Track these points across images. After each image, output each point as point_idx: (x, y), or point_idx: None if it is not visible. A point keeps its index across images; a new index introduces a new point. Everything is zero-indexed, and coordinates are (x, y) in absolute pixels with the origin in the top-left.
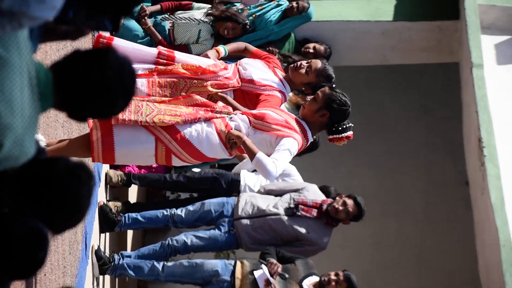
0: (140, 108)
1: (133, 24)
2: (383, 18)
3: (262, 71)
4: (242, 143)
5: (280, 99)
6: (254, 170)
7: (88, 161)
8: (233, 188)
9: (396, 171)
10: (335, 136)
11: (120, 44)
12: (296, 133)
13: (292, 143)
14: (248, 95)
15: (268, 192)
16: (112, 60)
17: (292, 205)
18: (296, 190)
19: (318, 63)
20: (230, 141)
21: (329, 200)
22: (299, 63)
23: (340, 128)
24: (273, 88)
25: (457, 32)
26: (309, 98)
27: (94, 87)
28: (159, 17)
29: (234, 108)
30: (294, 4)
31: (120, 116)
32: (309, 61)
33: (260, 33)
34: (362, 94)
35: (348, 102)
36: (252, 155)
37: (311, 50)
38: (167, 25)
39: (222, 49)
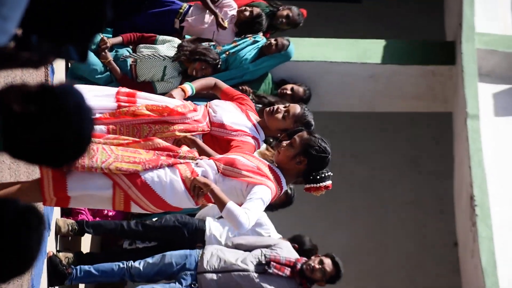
0: (95, 153)
1: (91, 57)
2: (371, 60)
3: (234, 115)
4: (210, 191)
5: (253, 145)
6: (220, 217)
7: (38, 205)
8: (197, 238)
9: (379, 230)
10: (312, 185)
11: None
12: (269, 180)
13: (265, 191)
14: (218, 141)
15: (236, 247)
16: (69, 103)
17: (263, 261)
18: (268, 246)
19: (296, 108)
20: (196, 189)
21: (304, 259)
22: (275, 107)
23: (318, 177)
24: (245, 133)
25: (452, 78)
26: (284, 143)
27: (48, 136)
28: (120, 51)
29: (205, 154)
30: (273, 41)
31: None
32: (287, 105)
33: (234, 72)
34: (345, 143)
35: (328, 148)
36: (221, 205)
37: (289, 92)
38: (129, 60)
39: (189, 88)
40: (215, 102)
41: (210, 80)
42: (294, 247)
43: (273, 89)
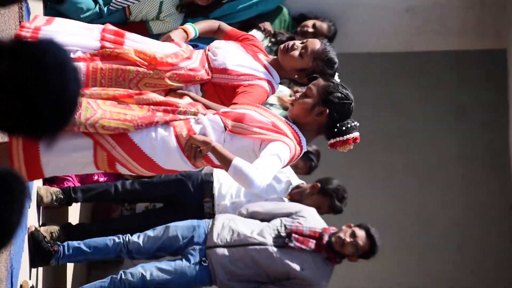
0: (78, 108)
1: None
2: None
3: (238, 56)
4: (211, 149)
5: (265, 90)
6: None
7: None
8: (203, 191)
9: (420, 192)
10: (337, 139)
11: (50, 31)
12: (286, 137)
13: (281, 147)
14: (222, 89)
15: (251, 215)
16: (49, 60)
17: (283, 234)
18: (289, 214)
19: (315, 43)
20: (192, 149)
21: (332, 229)
22: (291, 43)
23: (343, 128)
24: (255, 77)
25: (506, 9)
26: (298, 92)
27: (27, 99)
28: None
29: (206, 107)
30: None
31: None
32: (305, 40)
33: (244, 1)
34: (378, 90)
35: (350, 95)
36: (226, 163)
37: (310, 29)
38: None
39: (191, 29)
40: (215, 43)
41: (213, 23)
42: (315, 186)
43: (291, 26)
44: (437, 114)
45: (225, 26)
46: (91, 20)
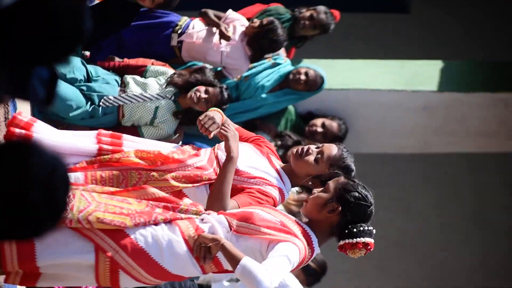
0: (71, 200)
1: (65, 89)
2: (423, 87)
3: (251, 158)
4: (221, 247)
5: (274, 198)
6: (232, 280)
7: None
8: None
9: None
10: (346, 241)
11: (43, 132)
12: (296, 238)
13: (291, 249)
14: (231, 192)
15: None
16: (36, 164)
17: None
18: None
19: (332, 149)
20: (202, 249)
21: None
22: (306, 147)
23: (354, 230)
24: (266, 182)
25: None
26: (315, 191)
27: (12, 202)
28: (103, 80)
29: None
30: (302, 76)
31: None
32: (320, 145)
33: (248, 102)
34: (392, 194)
35: (370, 198)
36: (235, 262)
37: (319, 129)
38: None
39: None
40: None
41: None
42: None
43: (296, 124)
44: (455, 222)
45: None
46: (81, 118)
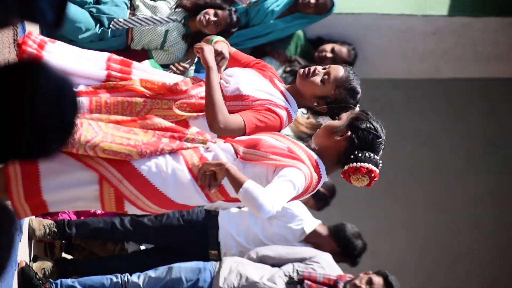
0: (78, 129)
1: (74, 11)
2: (434, 11)
3: (254, 81)
4: (225, 171)
5: (281, 117)
6: (239, 208)
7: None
8: (208, 239)
9: (447, 232)
10: (351, 164)
11: (54, 53)
12: (302, 163)
13: (296, 174)
14: None
15: (262, 259)
16: (45, 83)
17: (295, 279)
18: (302, 260)
19: (339, 70)
20: (207, 177)
21: (348, 276)
22: (312, 68)
23: (359, 155)
24: (272, 102)
25: None
26: (322, 119)
27: (18, 122)
28: (111, 11)
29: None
30: (312, 0)
31: None
32: (327, 66)
33: (258, 29)
34: (402, 119)
35: (381, 131)
36: (238, 185)
37: (329, 54)
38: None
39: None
40: (227, 71)
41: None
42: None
43: (305, 49)
44: (465, 147)
45: (230, 48)
46: (90, 41)
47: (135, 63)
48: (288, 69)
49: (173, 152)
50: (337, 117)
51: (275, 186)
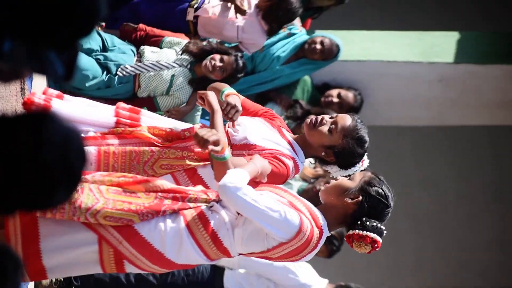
0: (79, 196)
1: (81, 59)
2: (440, 59)
3: (261, 131)
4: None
5: (288, 167)
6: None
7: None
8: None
9: (455, 280)
10: (357, 231)
11: (62, 103)
12: (304, 216)
13: (290, 211)
14: None
15: None
16: (53, 133)
17: None
18: None
19: (346, 119)
20: (201, 139)
21: None
22: (319, 117)
23: (367, 224)
24: (279, 152)
25: None
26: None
27: (26, 172)
28: (118, 51)
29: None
30: (318, 46)
31: (49, 213)
32: (334, 115)
33: (264, 75)
34: (407, 166)
35: (391, 200)
36: (220, 176)
37: (335, 99)
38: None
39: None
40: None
41: (222, 87)
42: None
43: (312, 95)
44: (471, 194)
45: (237, 95)
46: (97, 88)
47: (143, 110)
48: (290, 114)
49: (174, 212)
50: (345, 169)
51: (262, 197)
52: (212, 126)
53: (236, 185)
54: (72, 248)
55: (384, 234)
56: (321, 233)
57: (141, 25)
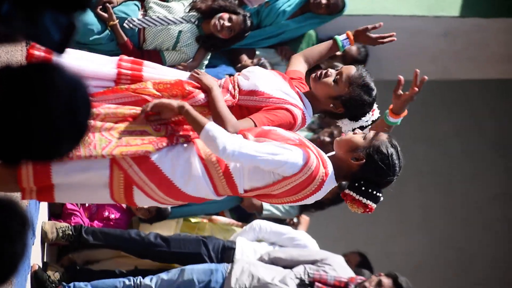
0: (92, 140)
1: (85, 13)
2: (445, 12)
3: (272, 81)
4: (185, 113)
5: (294, 115)
6: (260, 241)
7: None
8: (224, 256)
9: (459, 234)
10: (351, 193)
11: (64, 57)
12: (313, 153)
13: (295, 151)
14: (248, 112)
15: (273, 261)
16: (58, 82)
17: (306, 281)
18: (314, 262)
19: (351, 69)
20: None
21: (359, 279)
22: (324, 70)
23: (363, 189)
24: (287, 101)
25: None
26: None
27: (31, 121)
28: (125, 7)
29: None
30: (323, 0)
31: None
32: (339, 67)
33: (270, 29)
34: (413, 122)
35: (397, 170)
36: (199, 127)
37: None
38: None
39: None
40: (248, 68)
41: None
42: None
43: None
44: (477, 150)
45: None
46: (101, 43)
47: (146, 62)
48: None
49: (187, 141)
50: (355, 120)
51: (259, 144)
52: (212, 102)
53: (233, 148)
54: (83, 171)
55: (380, 200)
56: (327, 174)
57: None
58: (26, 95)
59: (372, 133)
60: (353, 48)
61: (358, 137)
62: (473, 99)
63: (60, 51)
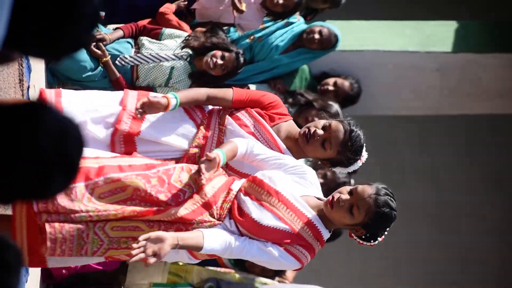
0: (85, 243)
1: (79, 52)
2: (437, 48)
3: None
4: (180, 247)
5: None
6: None
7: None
8: None
9: (451, 268)
10: (356, 238)
11: (68, 102)
12: (308, 253)
13: (286, 264)
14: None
15: None
16: (50, 122)
17: None
18: None
19: (339, 134)
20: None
21: None
22: (312, 129)
23: (368, 235)
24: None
25: None
26: (341, 198)
27: (22, 160)
28: (119, 45)
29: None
30: (316, 34)
31: (58, 249)
32: (327, 123)
33: (263, 64)
34: (405, 156)
35: (394, 219)
36: (198, 249)
37: (331, 87)
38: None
39: (173, 98)
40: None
41: (199, 92)
42: None
43: (310, 84)
44: (469, 184)
45: (225, 93)
46: (94, 80)
47: (138, 149)
48: (290, 101)
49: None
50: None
51: (250, 247)
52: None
53: (230, 257)
54: (77, 261)
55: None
56: (322, 244)
57: (140, 22)
58: (18, 134)
59: (358, 205)
60: (346, 84)
61: (349, 215)
62: (466, 134)
63: (57, 59)
